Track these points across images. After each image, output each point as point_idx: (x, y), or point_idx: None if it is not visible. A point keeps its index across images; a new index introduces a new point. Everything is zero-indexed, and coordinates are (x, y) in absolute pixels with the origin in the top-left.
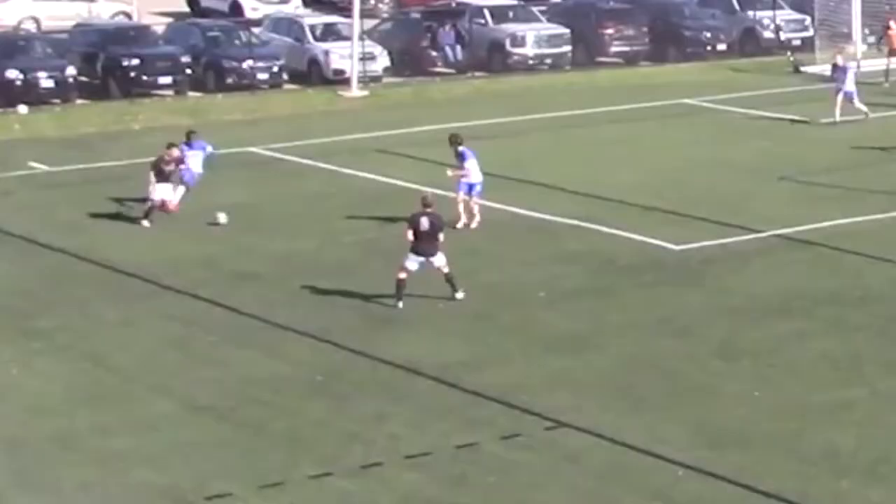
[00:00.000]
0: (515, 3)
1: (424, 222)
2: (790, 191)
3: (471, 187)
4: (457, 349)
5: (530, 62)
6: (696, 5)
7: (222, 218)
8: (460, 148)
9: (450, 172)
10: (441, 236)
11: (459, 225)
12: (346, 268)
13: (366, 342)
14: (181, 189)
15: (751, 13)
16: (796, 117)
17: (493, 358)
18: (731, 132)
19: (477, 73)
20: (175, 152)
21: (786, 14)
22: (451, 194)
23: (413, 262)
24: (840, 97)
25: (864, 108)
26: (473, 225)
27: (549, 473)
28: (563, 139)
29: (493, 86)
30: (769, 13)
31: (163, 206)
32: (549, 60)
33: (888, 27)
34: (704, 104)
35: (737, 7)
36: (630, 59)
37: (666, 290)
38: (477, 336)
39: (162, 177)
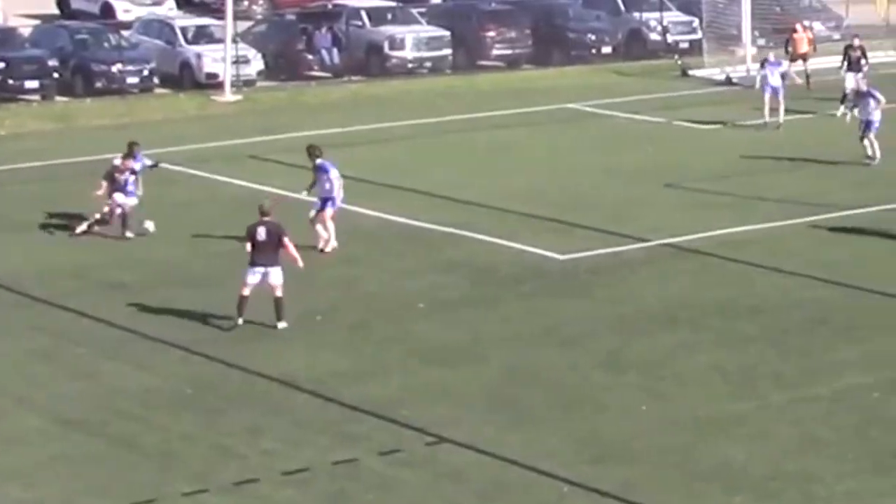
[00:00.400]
0: (394, 4)
1: (261, 232)
2: (678, 198)
3: (325, 203)
4: (334, 361)
5: (409, 65)
6: (581, 7)
7: (150, 226)
8: (319, 160)
9: (304, 194)
10: (286, 243)
11: (325, 247)
12: (218, 277)
13: (239, 354)
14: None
15: (637, 15)
16: (712, 122)
17: (372, 370)
18: (617, 138)
19: (354, 77)
20: (129, 162)
21: (673, 16)
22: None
23: (254, 275)
24: (768, 96)
25: (766, 120)
26: (328, 248)
27: (430, 491)
28: (443, 145)
29: (371, 90)
30: (656, 15)
31: (117, 213)
32: (428, 64)
33: (794, 30)
34: (589, 109)
35: (622, 8)
36: (512, 63)
37: (549, 301)
38: (355, 348)
39: (115, 185)
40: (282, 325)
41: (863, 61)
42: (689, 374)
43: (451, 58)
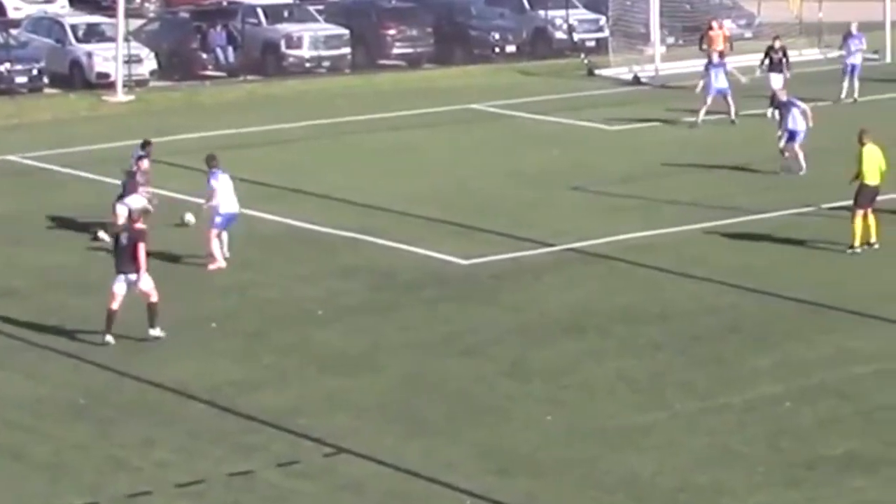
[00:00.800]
0: (291, 1)
1: (123, 237)
2: (584, 201)
3: (217, 218)
4: (230, 370)
5: (307, 65)
6: (484, 4)
7: (190, 218)
8: (211, 170)
9: (205, 205)
10: (139, 251)
11: (213, 267)
12: (110, 283)
13: (132, 363)
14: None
15: (542, 13)
16: (621, 122)
17: (269, 379)
18: (522, 139)
19: (250, 77)
20: (145, 164)
21: (579, 13)
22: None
23: (120, 285)
24: (711, 98)
25: (700, 118)
26: (216, 266)
27: (328, 503)
28: (341, 147)
29: (268, 90)
30: (561, 13)
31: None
32: (326, 63)
33: (710, 28)
34: (493, 109)
35: (527, 6)
36: (413, 62)
37: (452, 307)
38: (251, 356)
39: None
40: (154, 332)
41: (784, 63)
42: (596, 382)
43: (350, 57)
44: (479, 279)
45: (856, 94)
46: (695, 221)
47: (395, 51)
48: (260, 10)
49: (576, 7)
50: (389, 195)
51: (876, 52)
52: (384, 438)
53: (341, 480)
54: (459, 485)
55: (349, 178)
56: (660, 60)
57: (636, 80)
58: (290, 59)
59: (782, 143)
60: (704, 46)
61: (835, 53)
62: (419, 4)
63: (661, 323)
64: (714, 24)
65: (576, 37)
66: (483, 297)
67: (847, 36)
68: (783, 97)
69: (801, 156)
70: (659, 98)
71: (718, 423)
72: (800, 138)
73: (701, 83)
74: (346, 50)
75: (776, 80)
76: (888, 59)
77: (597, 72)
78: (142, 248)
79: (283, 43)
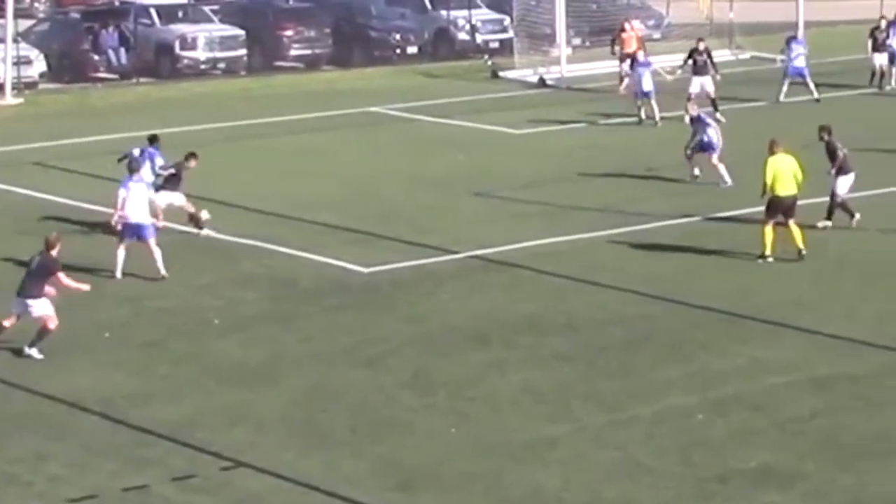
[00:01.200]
0: (185, 1)
1: (34, 261)
2: (488, 207)
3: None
4: (124, 382)
5: (202, 66)
6: (384, 4)
7: (204, 214)
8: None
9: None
10: (61, 279)
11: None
12: None
13: (22, 374)
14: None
15: (444, 13)
16: (526, 125)
17: (164, 391)
18: (423, 143)
19: (143, 79)
20: (193, 163)
21: (482, 13)
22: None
23: (16, 305)
24: (642, 100)
25: (657, 114)
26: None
27: None
28: (239, 151)
29: (162, 93)
30: (464, 13)
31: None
32: (222, 65)
33: (623, 29)
34: (394, 113)
35: (428, 6)
36: (311, 64)
37: (353, 317)
38: (146, 367)
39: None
40: (30, 350)
41: (710, 65)
42: (501, 394)
43: (246, 58)
44: (380, 287)
45: (815, 94)
46: (602, 228)
47: (293, 52)
48: (153, 11)
49: (479, 7)
50: (289, 201)
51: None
52: (284, 452)
53: (239, 495)
54: (360, 499)
55: (247, 183)
56: (566, 62)
57: (542, 83)
58: (185, 61)
59: (689, 151)
60: (617, 48)
61: (747, 55)
62: (317, 4)
63: (568, 333)
64: (626, 25)
65: (479, 38)
66: (385, 305)
67: (790, 40)
68: (693, 111)
69: (721, 168)
70: (565, 101)
71: (627, 435)
72: (716, 151)
73: (625, 82)
74: (243, 51)
75: (706, 83)
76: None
77: (501, 74)
78: (63, 277)
79: (177, 44)
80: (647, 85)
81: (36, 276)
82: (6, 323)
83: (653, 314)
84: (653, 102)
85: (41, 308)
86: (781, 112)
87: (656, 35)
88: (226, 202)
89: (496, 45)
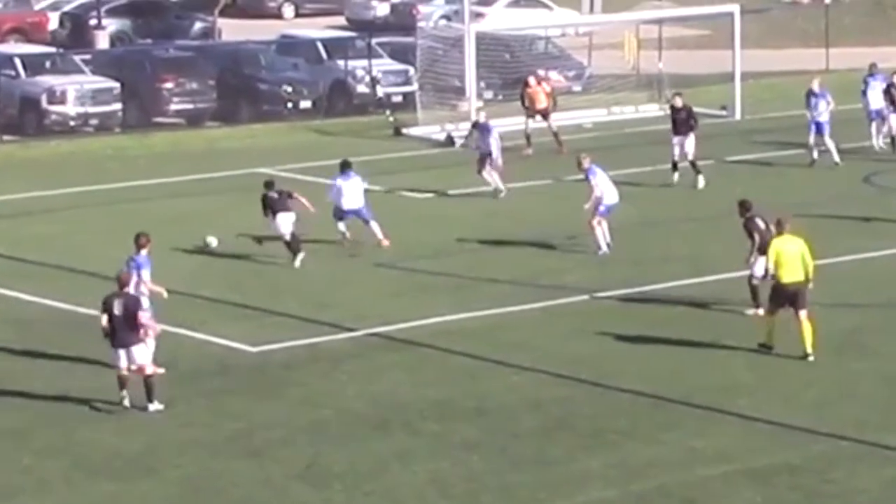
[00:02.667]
0: (53, 51)
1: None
2: (389, 279)
3: None
4: None
5: (72, 123)
6: (275, 53)
7: (213, 242)
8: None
9: None
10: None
11: None
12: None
13: None
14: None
15: (341, 63)
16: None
17: (28, 485)
18: (317, 209)
19: (6, 137)
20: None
21: (384, 64)
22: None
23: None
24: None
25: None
26: None
27: None
28: (112, 217)
29: (27, 152)
30: (364, 63)
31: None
32: (94, 121)
33: (527, 84)
34: (285, 174)
35: (324, 55)
36: (194, 119)
37: (238, 401)
38: (8, 458)
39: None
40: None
41: (692, 122)
42: (404, 488)
43: (121, 113)
44: (269, 369)
45: (836, 158)
46: (516, 302)
47: (173, 107)
48: (17, 61)
49: (380, 56)
50: (167, 272)
51: (724, 107)
52: None
53: None
54: None
55: (120, 252)
56: (476, 117)
57: (449, 141)
58: (53, 117)
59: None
60: (527, 105)
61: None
62: (200, 54)
63: (478, 419)
64: (531, 79)
65: (380, 91)
66: (274, 389)
67: (810, 94)
68: (585, 164)
69: (600, 231)
70: (475, 161)
71: None
72: (606, 211)
73: (530, 151)
74: (117, 106)
75: (688, 144)
76: (738, 116)
77: (404, 131)
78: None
79: (44, 98)
80: (492, 146)
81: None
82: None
83: (571, 398)
84: (492, 168)
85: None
86: (729, 174)
87: (577, 87)
88: (97, 274)
89: (399, 98)
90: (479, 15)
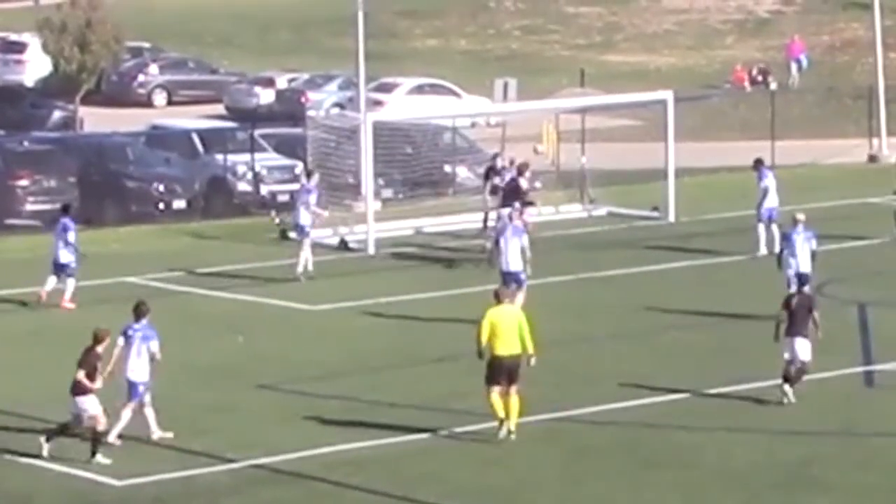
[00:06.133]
0: None
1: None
2: (275, 403)
3: None
4: None
5: None
6: (144, 146)
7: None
8: None
9: None
10: None
11: None
12: None
13: None
14: None
15: (220, 158)
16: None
17: None
18: (193, 323)
19: None
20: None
21: (268, 159)
22: None
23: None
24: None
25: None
26: None
27: None
28: None
29: None
30: (246, 157)
31: None
32: None
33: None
34: (156, 284)
35: (200, 149)
36: (54, 222)
37: None
38: None
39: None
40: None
41: None
42: None
43: None
44: None
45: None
46: (420, 429)
47: (29, 207)
48: None
49: (264, 150)
50: (21, 396)
51: (656, 208)
52: None
53: None
54: None
55: None
56: (373, 220)
57: (343, 246)
58: None
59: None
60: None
61: (603, 210)
62: (59, 147)
63: None
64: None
65: (264, 189)
66: None
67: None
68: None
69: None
70: (373, 268)
71: None
72: None
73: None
74: None
75: None
76: (671, 219)
77: (292, 234)
78: None
79: None
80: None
81: None
82: None
83: None
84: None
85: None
86: (644, 280)
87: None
88: None
89: (286, 198)
90: (377, 103)
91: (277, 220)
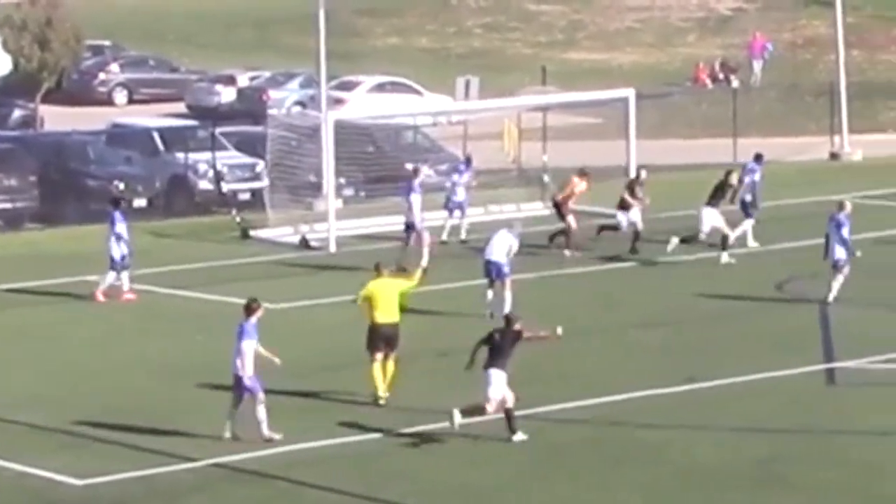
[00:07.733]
0: None
1: None
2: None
3: None
4: None
5: None
6: (104, 145)
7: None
8: None
9: None
10: None
11: None
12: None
13: None
14: None
15: (181, 156)
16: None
17: None
18: (154, 322)
19: None
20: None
21: (230, 157)
22: None
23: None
24: None
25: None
26: None
27: None
28: None
29: None
30: (206, 156)
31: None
32: None
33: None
34: (116, 283)
35: (161, 147)
36: (12, 221)
37: None
38: None
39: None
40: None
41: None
42: None
43: None
44: None
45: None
46: (388, 426)
47: None
48: None
49: (225, 148)
50: None
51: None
52: None
53: None
54: None
55: None
56: (334, 218)
57: (304, 244)
58: None
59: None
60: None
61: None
62: (19, 146)
63: None
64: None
65: (225, 187)
66: None
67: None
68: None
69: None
70: (335, 266)
71: None
72: None
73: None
74: None
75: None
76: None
77: (253, 233)
78: None
79: None
80: None
81: None
82: None
83: None
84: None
85: None
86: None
87: (449, 183)
88: None
89: (247, 196)
90: (338, 101)
91: (238, 219)
